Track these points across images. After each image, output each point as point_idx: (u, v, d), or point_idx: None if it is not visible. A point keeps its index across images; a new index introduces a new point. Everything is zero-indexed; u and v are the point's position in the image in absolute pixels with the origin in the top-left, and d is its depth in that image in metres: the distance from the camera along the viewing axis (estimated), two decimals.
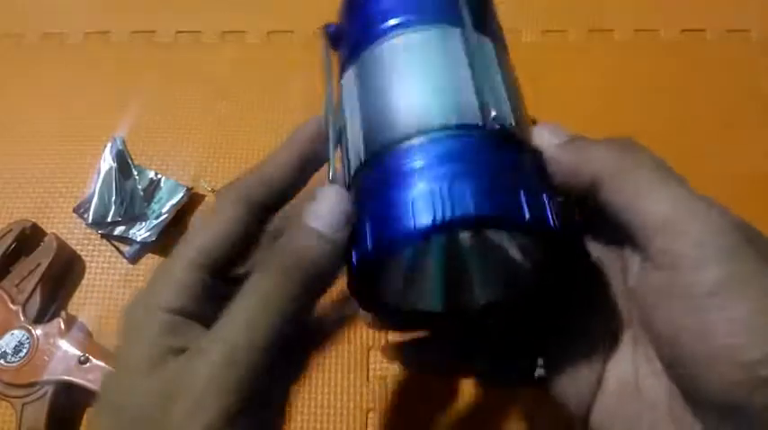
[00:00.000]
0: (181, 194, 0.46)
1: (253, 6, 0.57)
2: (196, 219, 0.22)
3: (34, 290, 0.41)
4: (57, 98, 0.52)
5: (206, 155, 0.49)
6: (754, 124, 0.50)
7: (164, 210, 0.45)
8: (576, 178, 0.22)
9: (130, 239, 0.45)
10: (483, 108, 0.22)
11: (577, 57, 0.54)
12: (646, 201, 0.21)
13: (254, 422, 0.20)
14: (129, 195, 0.45)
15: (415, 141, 0.22)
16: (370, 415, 0.40)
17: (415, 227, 0.20)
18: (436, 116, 0.22)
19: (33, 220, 0.44)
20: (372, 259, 0.21)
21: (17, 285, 0.42)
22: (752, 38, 0.55)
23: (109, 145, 0.47)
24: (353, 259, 0.21)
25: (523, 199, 0.20)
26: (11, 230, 0.43)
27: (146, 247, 0.45)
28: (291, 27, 0.55)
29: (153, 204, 0.46)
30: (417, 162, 0.21)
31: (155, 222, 0.45)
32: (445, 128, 0.22)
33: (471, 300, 0.25)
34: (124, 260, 0.45)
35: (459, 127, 0.22)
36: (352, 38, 0.28)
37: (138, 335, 0.22)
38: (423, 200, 0.20)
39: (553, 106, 0.51)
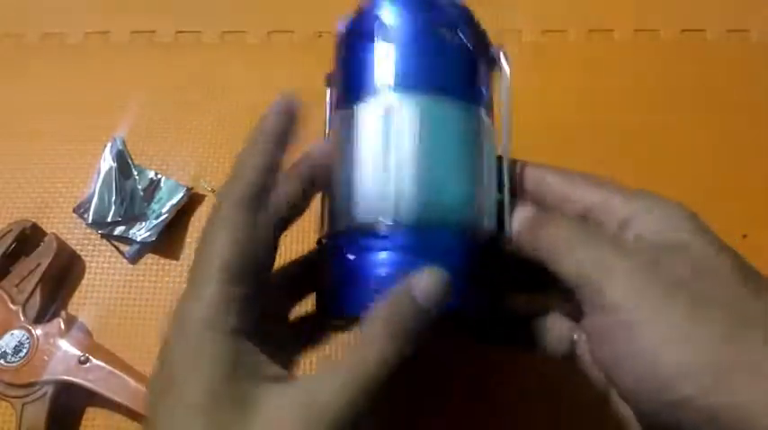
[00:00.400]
0: (181, 194, 0.46)
1: (253, 6, 0.57)
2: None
3: (34, 290, 0.41)
4: (57, 98, 0.52)
5: (206, 155, 0.49)
6: (754, 124, 0.50)
7: (164, 210, 0.45)
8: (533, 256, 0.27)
9: (130, 239, 0.45)
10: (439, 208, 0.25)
11: (577, 57, 0.54)
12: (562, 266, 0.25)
13: None
14: (129, 195, 0.45)
15: (381, 227, 0.25)
16: None
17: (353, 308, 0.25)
18: (407, 211, 0.24)
19: (33, 220, 0.44)
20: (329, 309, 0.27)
21: (17, 285, 0.42)
22: (752, 38, 0.54)
23: (109, 145, 0.47)
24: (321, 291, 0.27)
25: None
26: (11, 230, 0.43)
27: (146, 247, 0.45)
28: (291, 27, 0.55)
29: (153, 204, 0.46)
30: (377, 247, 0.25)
31: (155, 222, 0.45)
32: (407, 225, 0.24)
33: None
34: (124, 260, 0.45)
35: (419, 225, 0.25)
36: (338, 86, 0.29)
37: (196, 361, 0.22)
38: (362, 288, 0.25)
39: (553, 106, 0.51)
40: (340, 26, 0.29)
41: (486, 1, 0.56)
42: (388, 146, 0.25)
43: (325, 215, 0.27)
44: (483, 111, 0.27)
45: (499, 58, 0.29)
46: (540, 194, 0.29)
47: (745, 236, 0.45)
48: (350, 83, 0.27)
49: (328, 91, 0.31)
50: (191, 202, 0.47)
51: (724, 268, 0.23)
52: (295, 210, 0.28)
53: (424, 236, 0.25)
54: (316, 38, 0.55)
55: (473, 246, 0.26)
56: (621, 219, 0.26)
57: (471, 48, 0.28)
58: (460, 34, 0.27)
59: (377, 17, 0.27)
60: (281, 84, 0.52)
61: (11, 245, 0.42)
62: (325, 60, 0.53)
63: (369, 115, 0.25)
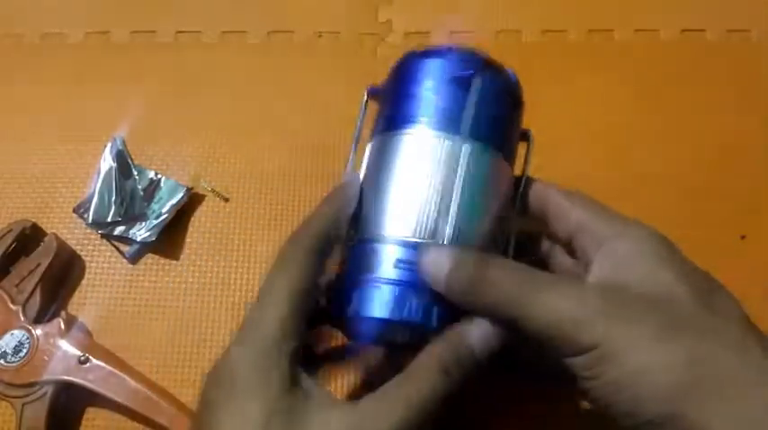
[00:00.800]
0: (181, 194, 0.46)
1: (253, 6, 0.57)
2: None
3: (34, 290, 0.41)
4: (57, 98, 0.52)
5: (206, 155, 0.49)
6: (754, 124, 0.50)
7: (164, 210, 0.45)
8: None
9: (130, 239, 0.45)
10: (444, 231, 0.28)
11: (577, 57, 0.54)
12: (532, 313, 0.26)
13: None
14: (129, 195, 0.45)
15: (399, 243, 0.28)
16: None
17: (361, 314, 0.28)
18: (421, 231, 0.28)
19: (33, 220, 0.44)
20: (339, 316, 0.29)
21: (17, 285, 0.42)
22: (752, 38, 0.55)
23: (109, 145, 0.47)
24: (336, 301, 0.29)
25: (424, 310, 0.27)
26: (11, 230, 0.43)
27: (146, 247, 0.45)
28: (291, 27, 0.55)
29: (153, 204, 0.46)
30: (390, 259, 0.28)
31: (155, 222, 0.45)
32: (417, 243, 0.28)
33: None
34: (124, 260, 0.45)
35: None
36: (386, 109, 0.32)
37: (261, 375, 0.25)
38: (380, 298, 0.28)
39: (553, 106, 0.51)
40: (416, 56, 0.32)
41: (487, 1, 0.56)
42: (442, 176, 0.29)
43: (357, 221, 0.30)
44: (509, 164, 0.31)
45: (529, 135, 0.34)
46: (542, 209, 0.31)
47: (743, 236, 0.45)
48: (407, 112, 0.30)
49: (365, 102, 0.34)
50: (191, 202, 0.47)
51: (685, 295, 0.25)
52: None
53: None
54: (316, 38, 0.55)
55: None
56: (597, 243, 0.28)
57: (520, 116, 0.33)
58: (515, 103, 0.32)
59: (466, 66, 0.30)
60: (280, 84, 0.53)
61: (11, 244, 0.42)
62: (326, 60, 0.54)
63: (432, 146, 0.29)
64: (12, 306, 0.41)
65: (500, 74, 0.31)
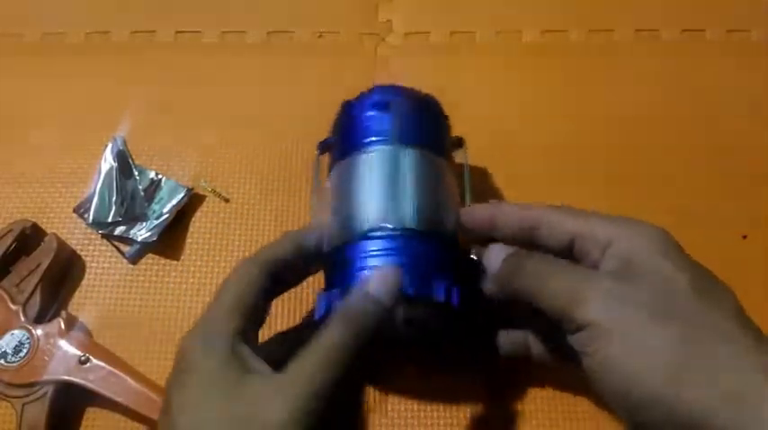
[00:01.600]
0: (181, 195, 0.46)
1: (252, 6, 0.57)
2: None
3: (34, 290, 0.41)
4: (57, 98, 0.52)
5: (206, 155, 0.49)
6: (754, 124, 0.50)
7: (164, 210, 0.45)
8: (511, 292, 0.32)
9: (131, 239, 0.45)
10: (420, 216, 0.34)
11: (577, 57, 0.54)
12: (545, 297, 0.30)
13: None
14: (130, 195, 0.45)
15: (371, 235, 0.33)
16: None
17: None
18: (387, 220, 0.33)
19: (33, 220, 0.44)
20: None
21: (17, 285, 0.41)
22: (752, 38, 0.55)
23: (109, 145, 0.47)
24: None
25: (435, 284, 0.32)
26: (11, 230, 0.43)
27: (146, 248, 0.45)
28: (291, 27, 0.56)
29: (153, 204, 0.46)
30: (369, 251, 0.33)
31: (155, 222, 0.45)
32: (391, 229, 0.33)
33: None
34: (124, 260, 0.45)
35: (403, 229, 0.33)
36: (338, 147, 0.39)
37: (208, 357, 0.28)
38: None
39: (553, 106, 0.51)
40: (351, 103, 0.40)
41: (487, 1, 0.56)
42: (393, 178, 0.35)
43: (331, 234, 0.35)
44: (444, 160, 0.38)
45: (462, 140, 0.42)
46: (531, 232, 0.33)
47: (745, 236, 0.45)
48: (354, 140, 0.37)
49: (318, 154, 0.42)
50: (191, 203, 0.47)
51: (683, 284, 0.27)
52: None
53: (412, 239, 0.33)
54: (316, 38, 0.55)
55: (443, 246, 0.35)
56: (602, 245, 0.29)
57: (440, 120, 0.40)
58: (430, 110, 0.40)
59: (380, 99, 0.39)
60: (280, 84, 0.53)
61: (11, 244, 0.42)
62: (326, 60, 0.54)
63: (376, 159, 0.36)
64: (12, 306, 0.41)
65: (415, 96, 0.39)
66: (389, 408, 0.40)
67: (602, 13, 0.56)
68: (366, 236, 0.33)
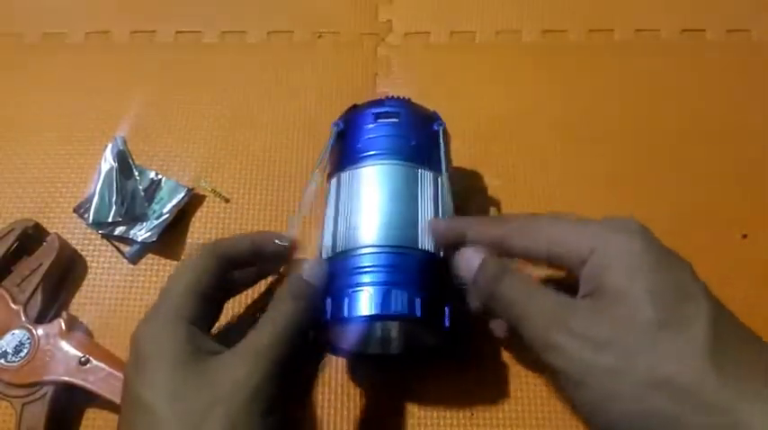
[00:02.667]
0: (182, 195, 0.46)
1: (253, 6, 0.57)
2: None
3: (36, 289, 0.41)
4: (57, 98, 0.52)
5: (206, 155, 0.49)
6: (753, 124, 0.50)
7: (165, 210, 0.45)
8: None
9: (131, 240, 0.45)
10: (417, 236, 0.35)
11: (577, 57, 0.54)
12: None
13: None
14: (130, 195, 0.45)
15: (366, 251, 0.34)
16: None
17: (351, 314, 0.33)
18: (383, 238, 0.34)
19: (35, 220, 0.44)
20: (329, 324, 0.34)
21: (18, 285, 0.42)
22: (752, 38, 0.55)
23: (110, 145, 0.47)
24: (324, 318, 0.34)
25: (419, 302, 0.33)
26: (13, 230, 0.43)
27: (146, 248, 0.45)
28: (291, 27, 0.56)
29: (154, 205, 0.46)
30: (363, 266, 0.34)
31: (155, 223, 0.45)
32: (387, 247, 0.34)
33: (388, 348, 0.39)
34: (125, 260, 0.45)
35: (398, 247, 0.34)
36: (342, 153, 0.39)
37: (166, 340, 0.30)
38: (360, 297, 0.33)
39: (553, 106, 0.51)
40: (337, 124, 0.40)
41: (487, 1, 0.56)
42: (377, 193, 0.36)
43: (318, 249, 0.37)
44: (421, 169, 0.37)
45: (442, 133, 0.39)
46: (502, 247, 0.34)
47: (745, 236, 0.45)
48: (349, 157, 0.38)
49: (315, 174, 0.40)
50: (191, 203, 0.47)
51: (648, 314, 0.27)
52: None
53: (395, 256, 0.34)
54: (316, 38, 0.55)
55: (420, 260, 0.35)
56: (577, 260, 0.30)
57: (413, 129, 0.39)
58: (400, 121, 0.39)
59: (344, 122, 0.40)
60: (281, 84, 0.53)
61: (13, 244, 0.42)
62: (326, 61, 0.54)
63: (387, 172, 0.37)
64: (13, 305, 0.41)
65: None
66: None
67: (602, 13, 0.56)
68: (347, 254, 0.35)
